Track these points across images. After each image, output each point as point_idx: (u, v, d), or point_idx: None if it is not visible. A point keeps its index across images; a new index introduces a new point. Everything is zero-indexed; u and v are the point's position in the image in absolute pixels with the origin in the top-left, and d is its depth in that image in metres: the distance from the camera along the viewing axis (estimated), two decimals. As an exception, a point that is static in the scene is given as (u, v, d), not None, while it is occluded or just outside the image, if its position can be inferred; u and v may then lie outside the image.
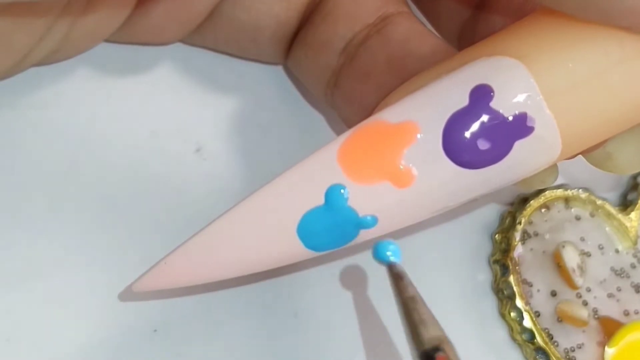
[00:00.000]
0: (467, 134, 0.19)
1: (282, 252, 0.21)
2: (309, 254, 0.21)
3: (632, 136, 0.22)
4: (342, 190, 0.20)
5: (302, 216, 0.20)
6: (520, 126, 0.19)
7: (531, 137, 0.20)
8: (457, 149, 0.20)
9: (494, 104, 0.19)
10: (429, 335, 0.17)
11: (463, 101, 0.20)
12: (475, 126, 0.19)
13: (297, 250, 0.20)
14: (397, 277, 0.19)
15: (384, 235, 0.21)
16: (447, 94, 0.20)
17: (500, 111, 0.19)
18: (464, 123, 0.19)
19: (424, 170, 0.20)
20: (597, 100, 0.20)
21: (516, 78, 0.19)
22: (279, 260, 0.21)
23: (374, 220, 0.20)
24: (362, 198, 0.20)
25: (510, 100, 0.19)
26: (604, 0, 0.19)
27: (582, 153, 0.22)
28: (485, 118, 0.19)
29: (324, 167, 0.20)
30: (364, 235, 0.21)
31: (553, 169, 0.23)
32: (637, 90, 0.20)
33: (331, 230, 0.20)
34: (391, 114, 0.20)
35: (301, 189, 0.20)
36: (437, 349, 0.17)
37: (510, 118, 0.19)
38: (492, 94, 0.19)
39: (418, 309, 0.18)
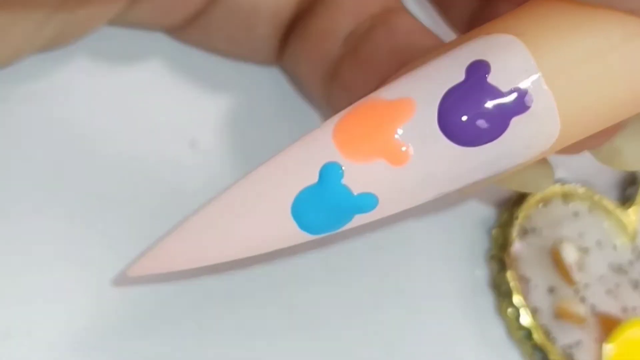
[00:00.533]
0: (463, 110, 0.19)
1: (277, 234, 0.20)
2: (304, 236, 0.20)
3: None
4: (336, 169, 0.20)
5: (296, 195, 0.20)
6: (517, 102, 0.19)
7: (528, 114, 0.19)
8: (453, 125, 0.19)
9: (490, 79, 0.19)
10: None
11: (459, 77, 0.19)
12: (471, 102, 0.19)
13: (292, 232, 0.20)
14: None
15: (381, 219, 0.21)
16: (443, 71, 0.20)
17: (497, 87, 0.19)
18: (460, 98, 0.19)
19: (420, 147, 0.19)
20: (597, 81, 0.20)
21: (514, 54, 0.19)
22: (274, 243, 0.21)
23: (369, 199, 0.20)
24: (356, 176, 0.20)
25: (507, 75, 0.19)
26: None
27: (589, 148, 0.22)
28: (481, 93, 0.19)
29: (319, 146, 0.20)
30: (360, 219, 0.20)
31: (548, 172, 0.23)
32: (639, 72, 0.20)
33: (325, 209, 0.20)
34: (387, 92, 0.20)
35: (295, 168, 0.20)
36: None
37: (507, 93, 0.19)
38: (488, 69, 0.19)
39: None
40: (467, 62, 0.19)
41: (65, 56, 0.25)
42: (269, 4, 0.25)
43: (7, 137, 0.24)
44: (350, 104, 0.23)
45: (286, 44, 0.25)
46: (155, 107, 0.26)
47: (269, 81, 0.27)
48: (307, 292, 0.26)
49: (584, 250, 0.28)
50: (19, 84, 0.25)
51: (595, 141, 0.21)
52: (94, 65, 0.25)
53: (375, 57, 0.23)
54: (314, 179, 0.20)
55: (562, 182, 0.28)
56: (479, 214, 0.28)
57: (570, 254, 0.27)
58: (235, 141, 0.26)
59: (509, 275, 0.27)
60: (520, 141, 0.20)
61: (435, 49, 0.22)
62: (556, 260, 0.27)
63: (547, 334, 0.27)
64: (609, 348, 0.27)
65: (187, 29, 0.26)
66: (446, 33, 0.26)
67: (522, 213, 0.27)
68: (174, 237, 0.21)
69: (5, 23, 0.21)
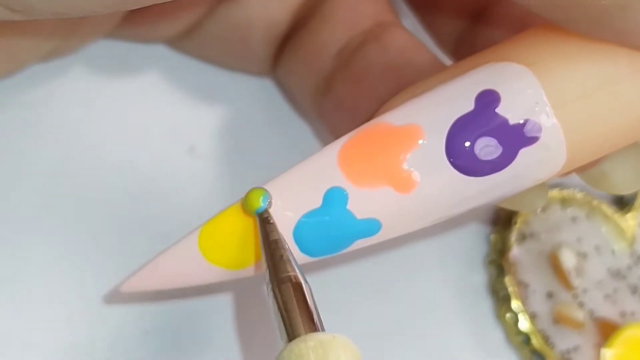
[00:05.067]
0: (471, 140, 0.19)
1: None
2: (304, 258, 0.20)
3: (628, 155, 0.22)
4: (341, 193, 0.19)
5: (299, 219, 0.20)
6: (526, 134, 0.19)
7: (536, 145, 0.19)
8: (460, 155, 0.19)
9: (500, 110, 0.19)
10: (286, 270, 0.19)
11: (468, 106, 0.19)
12: (479, 132, 0.19)
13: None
14: (264, 222, 0.20)
15: (382, 242, 0.21)
16: (452, 98, 0.20)
17: (507, 118, 0.19)
18: (469, 128, 0.19)
19: (426, 176, 0.19)
20: (603, 112, 0.20)
21: (524, 85, 0.19)
22: None
23: (373, 225, 0.20)
24: (361, 202, 0.19)
25: (517, 107, 0.19)
26: (619, 23, 0.18)
27: (577, 171, 0.22)
28: (490, 124, 0.19)
29: (324, 170, 0.20)
30: (362, 243, 0.20)
31: (542, 192, 0.23)
32: None
33: (327, 234, 0.20)
34: (394, 117, 0.20)
35: (299, 191, 0.20)
36: (290, 278, 0.19)
37: (517, 125, 0.19)
38: (498, 99, 0.19)
39: (281, 250, 0.19)
40: (477, 91, 0.19)
41: (65, 65, 0.25)
42: (264, 18, 0.25)
43: (7, 144, 0.24)
44: (341, 118, 0.23)
45: (280, 56, 0.25)
46: (153, 114, 0.26)
47: (265, 91, 0.27)
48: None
49: (582, 256, 0.28)
50: (19, 92, 0.25)
51: (584, 165, 0.21)
52: (92, 74, 0.25)
53: (367, 72, 0.23)
54: (317, 203, 0.20)
55: (560, 187, 0.28)
56: (477, 219, 0.28)
57: (568, 259, 0.27)
58: (232, 148, 0.26)
59: (508, 280, 0.27)
60: (527, 171, 0.20)
61: (434, 67, 0.22)
62: (555, 265, 0.27)
63: (545, 339, 0.27)
64: (607, 353, 0.27)
65: (182, 41, 0.26)
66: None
67: (521, 218, 0.27)
68: (169, 255, 0.21)
69: (11, 40, 0.22)
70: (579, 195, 0.28)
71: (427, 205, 0.20)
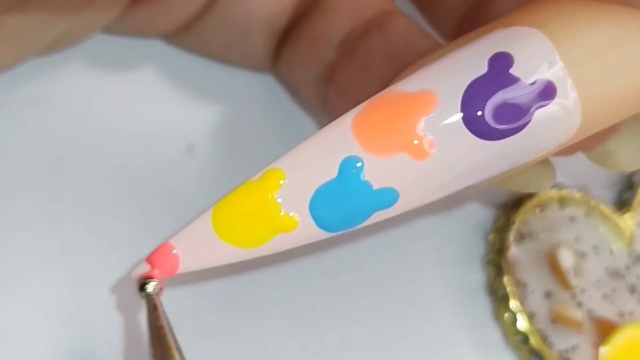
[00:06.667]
0: (487, 102, 0.19)
1: (293, 232, 0.20)
2: (321, 234, 0.20)
3: (633, 132, 0.22)
4: (357, 164, 0.19)
5: (315, 191, 0.19)
6: (541, 94, 0.19)
7: (552, 104, 0.19)
8: (476, 119, 0.19)
9: (513, 71, 0.19)
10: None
11: (482, 69, 0.19)
12: (494, 94, 0.19)
13: (309, 229, 0.20)
14: (152, 308, 0.20)
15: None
16: (465, 63, 0.19)
17: (521, 78, 0.19)
18: (483, 91, 0.19)
19: (442, 142, 0.19)
20: (614, 73, 0.20)
21: (536, 45, 0.19)
22: (288, 242, 0.20)
23: (390, 195, 0.20)
24: (377, 170, 0.19)
25: (530, 67, 0.19)
26: None
27: (583, 150, 0.22)
28: (505, 85, 0.19)
29: (338, 139, 0.19)
30: (379, 215, 0.20)
31: (550, 172, 0.23)
32: None
33: (344, 206, 0.19)
34: (408, 84, 0.20)
35: (315, 162, 0.19)
36: None
37: (531, 85, 0.19)
38: (511, 61, 0.19)
39: (166, 337, 0.20)
40: (489, 54, 0.19)
41: (62, 62, 0.25)
42: (264, 11, 0.25)
43: (4, 140, 0.24)
44: (346, 107, 0.23)
45: (281, 49, 0.25)
46: (152, 112, 0.26)
47: (264, 87, 0.27)
48: (304, 296, 0.26)
49: (580, 255, 0.28)
50: (16, 88, 0.24)
51: (590, 143, 0.21)
52: (90, 70, 0.25)
53: (371, 59, 0.23)
54: (333, 174, 0.19)
55: (558, 187, 0.28)
56: (476, 218, 0.28)
57: (567, 259, 0.27)
58: (230, 146, 0.26)
59: (506, 280, 0.27)
60: (543, 132, 0.19)
61: (434, 49, 0.22)
62: (553, 265, 0.27)
63: (543, 338, 0.27)
64: (605, 352, 0.27)
65: (182, 35, 0.26)
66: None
67: (519, 218, 0.27)
68: (181, 237, 0.20)
69: (19, 26, 0.22)
70: (577, 194, 0.28)
71: (444, 172, 0.19)
